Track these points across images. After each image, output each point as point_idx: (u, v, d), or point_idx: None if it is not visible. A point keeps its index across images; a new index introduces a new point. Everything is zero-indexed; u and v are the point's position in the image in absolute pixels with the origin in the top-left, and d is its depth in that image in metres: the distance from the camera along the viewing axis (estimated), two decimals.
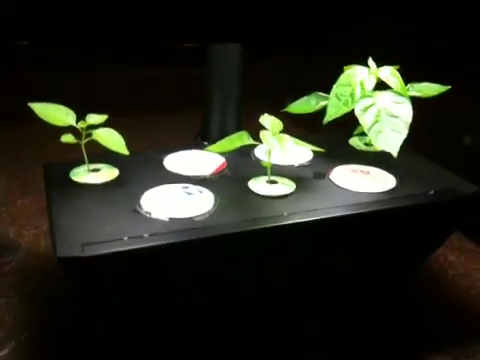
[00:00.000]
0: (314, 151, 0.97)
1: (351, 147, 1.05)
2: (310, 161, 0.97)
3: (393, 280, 0.98)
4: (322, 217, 0.77)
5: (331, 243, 0.82)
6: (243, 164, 0.95)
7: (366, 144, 1.05)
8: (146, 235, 0.70)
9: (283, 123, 0.85)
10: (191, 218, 0.75)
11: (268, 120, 0.86)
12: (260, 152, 0.99)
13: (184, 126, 1.32)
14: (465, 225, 1.28)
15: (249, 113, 0.94)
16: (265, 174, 0.87)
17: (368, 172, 0.93)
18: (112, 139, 0.83)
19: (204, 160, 0.95)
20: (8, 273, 1.06)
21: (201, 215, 0.76)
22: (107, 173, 0.88)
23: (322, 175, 0.91)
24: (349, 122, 0.95)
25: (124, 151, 0.83)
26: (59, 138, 0.83)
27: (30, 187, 1.42)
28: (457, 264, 1.22)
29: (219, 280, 0.78)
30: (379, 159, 0.96)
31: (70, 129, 0.83)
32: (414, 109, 0.89)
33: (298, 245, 0.79)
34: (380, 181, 0.89)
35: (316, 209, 0.79)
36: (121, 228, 0.72)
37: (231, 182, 0.88)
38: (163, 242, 0.70)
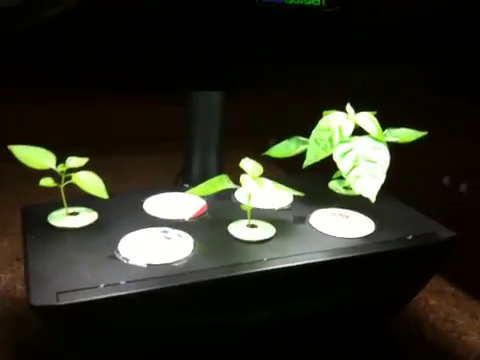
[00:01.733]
0: (294, 194, 0.98)
1: (331, 191, 1.06)
2: (290, 205, 0.98)
3: (373, 324, 0.98)
4: (302, 263, 0.77)
5: (311, 288, 0.82)
6: (223, 207, 0.95)
7: (345, 188, 1.06)
8: (123, 282, 0.69)
9: (265, 165, 0.86)
10: (169, 264, 0.74)
11: (249, 164, 0.87)
12: (241, 195, 0.99)
13: (167, 166, 1.32)
14: (445, 269, 1.29)
15: (234, 156, 0.94)
16: (245, 218, 0.87)
17: (347, 216, 0.93)
18: (92, 183, 0.83)
19: (184, 203, 0.95)
20: None
21: (179, 261, 0.75)
22: (86, 217, 0.87)
23: (302, 219, 0.92)
24: (330, 165, 0.96)
25: (103, 195, 0.83)
26: (38, 180, 0.82)
27: (8, 230, 1.40)
28: (437, 308, 1.22)
29: (198, 326, 0.76)
30: (358, 203, 0.96)
31: (50, 171, 0.83)
32: (391, 154, 0.91)
33: (277, 290, 0.78)
34: (359, 226, 0.90)
35: (296, 254, 0.79)
36: (98, 275, 0.71)
37: (211, 226, 0.88)
38: (140, 290, 0.69)
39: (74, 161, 0.85)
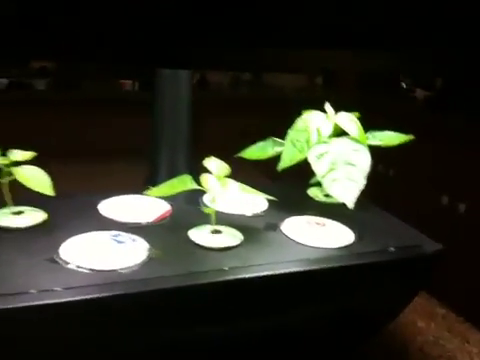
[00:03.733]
0: (269, 200, 0.90)
1: (309, 197, 0.98)
2: (264, 211, 0.89)
3: (350, 347, 0.88)
4: (267, 274, 0.68)
5: (277, 303, 0.72)
6: (189, 212, 0.87)
7: (326, 195, 0.97)
8: (58, 289, 0.60)
9: (243, 169, 0.78)
10: (115, 270, 0.66)
11: (213, 163, 0.79)
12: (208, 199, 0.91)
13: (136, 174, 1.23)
14: (436, 289, 1.20)
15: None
16: (210, 223, 0.79)
17: (324, 224, 0.85)
18: (36, 178, 0.74)
19: (146, 206, 0.86)
20: None
21: (128, 267, 0.66)
22: (32, 217, 0.78)
23: (274, 226, 0.83)
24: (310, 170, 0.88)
25: (48, 191, 0.74)
26: None
27: None
28: (426, 331, 1.13)
29: (141, 340, 0.67)
30: (337, 211, 0.88)
31: None
32: (373, 158, 0.82)
33: (237, 304, 0.69)
34: (336, 235, 0.81)
35: (261, 264, 0.70)
36: (32, 280, 0.62)
37: (171, 231, 0.79)
38: (76, 297, 0.60)
39: (18, 154, 0.76)
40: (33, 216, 0.78)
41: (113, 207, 0.85)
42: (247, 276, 0.67)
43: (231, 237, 0.77)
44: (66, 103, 2.35)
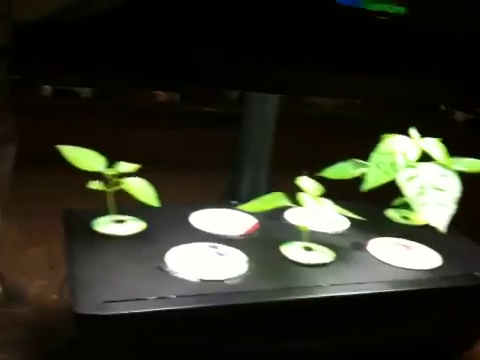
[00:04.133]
0: (351, 220, 0.92)
1: (388, 219, 0.99)
2: (346, 230, 0.92)
3: None
4: (367, 292, 0.71)
5: (370, 321, 0.74)
6: (275, 227, 0.89)
7: (404, 217, 0.99)
8: (173, 296, 0.64)
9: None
10: (222, 281, 0.69)
11: (308, 182, 0.82)
12: (291, 216, 0.93)
13: (211, 186, 1.26)
14: None
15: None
16: (297, 239, 0.81)
17: (409, 247, 0.86)
18: (142, 189, 0.78)
19: (233, 219, 0.90)
20: (13, 326, 0.97)
21: (233, 278, 0.69)
22: (132, 225, 0.82)
23: (360, 246, 0.85)
24: (383, 194, 0.90)
25: (154, 203, 0.78)
26: (74, 188, 0.78)
27: (47, 236, 1.35)
28: None
29: (247, 350, 0.70)
30: (419, 234, 0.90)
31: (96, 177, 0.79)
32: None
33: (335, 320, 0.71)
34: (423, 258, 0.83)
35: (358, 282, 0.73)
36: (146, 286, 0.66)
37: (262, 245, 0.82)
38: (193, 305, 0.63)
39: (125, 166, 0.80)
40: (134, 225, 0.82)
41: (204, 219, 0.88)
42: (347, 294, 0.70)
43: (323, 254, 0.79)
44: (111, 111, 2.42)
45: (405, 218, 0.98)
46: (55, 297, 1.06)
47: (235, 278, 0.70)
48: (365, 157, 0.91)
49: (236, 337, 0.67)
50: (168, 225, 0.85)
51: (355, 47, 1.06)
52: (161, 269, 0.70)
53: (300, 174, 0.85)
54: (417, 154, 0.89)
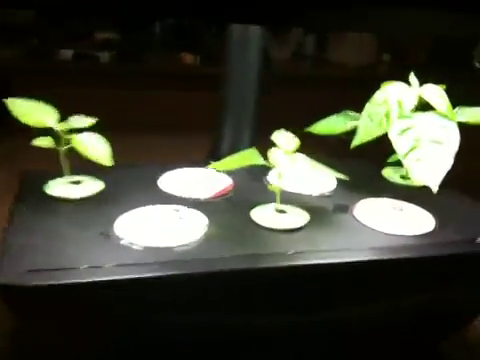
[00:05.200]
0: (339, 180, 0.82)
1: (383, 178, 0.89)
2: (332, 191, 0.82)
3: (432, 342, 0.80)
4: (338, 261, 0.61)
5: (346, 295, 0.65)
6: (252, 189, 0.81)
7: (402, 177, 0.88)
8: (108, 265, 0.56)
9: (309, 149, 0.71)
10: (171, 248, 0.61)
11: (282, 136, 0.72)
12: (274, 176, 0.84)
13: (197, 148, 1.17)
14: None
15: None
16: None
17: (401, 209, 0.76)
18: (94, 146, 0.70)
19: (208, 181, 0.81)
20: None
21: (184, 245, 0.61)
22: (89, 187, 0.74)
23: (344, 209, 0.75)
24: (385, 150, 0.80)
25: (107, 162, 0.70)
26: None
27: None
28: None
29: (187, 324, 0.62)
30: (416, 195, 0.79)
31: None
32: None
33: (299, 293, 0.63)
34: (415, 221, 0.73)
35: (331, 250, 0.63)
36: (83, 255, 0.58)
37: (234, 208, 0.73)
38: (127, 276, 0.56)
39: (79, 121, 0.72)
40: (90, 187, 0.75)
41: (173, 180, 0.80)
42: (315, 263, 0.61)
43: (296, 218, 0.70)
44: (129, 75, 2.35)
45: (403, 178, 0.88)
46: None
47: (187, 245, 0.62)
48: None
49: (181, 310, 0.59)
50: (131, 187, 0.77)
51: None
52: (105, 235, 0.63)
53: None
54: (415, 103, 0.78)
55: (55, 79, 2.17)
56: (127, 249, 0.60)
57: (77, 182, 0.75)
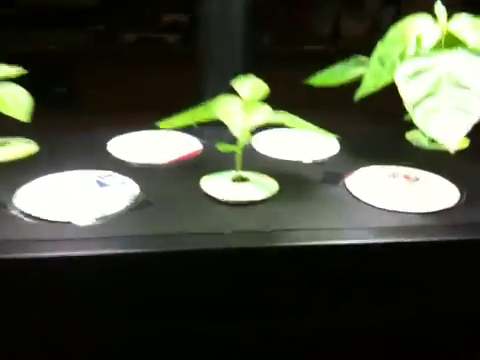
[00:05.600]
0: (345, 145, 0.64)
1: (406, 142, 0.69)
2: (330, 158, 0.63)
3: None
4: (298, 244, 0.43)
5: (313, 294, 0.47)
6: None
7: (432, 141, 0.67)
8: None
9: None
10: (71, 223, 0.46)
11: (247, 83, 0.55)
12: (262, 139, 0.67)
13: None
14: None
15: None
16: (255, 170, 0.56)
17: (417, 179, 0.56)
18: (13, 99, 0.57)
19: (172, 145, 0.65)
20: None
21: (89, 220, 0.46)
22: (15, 151, 0.61)
23: (336, 178, 0.57)
24: None
25: (23, 117, 0.56)
26: None
27: None
28: None
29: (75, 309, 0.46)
30: (442, 162, 0.59)
31: None
32: None
33: (242, 284, 0.45)
34: (432, 195, 0.53)
35: (290, 229, 0.46)
36: None
37: (184, 176, 0.57)
38: (9, 255, 0.41)
39: (2, 70, 0.59)
40: (17, 150, 0.61)
41: (127, 144, 0.65)
42: (256, 246, 0.43)
43: (258, 188, 0.52)
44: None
45: (432, 142, 0.67)
46: None
47: (99, 219, 0.46)
48: None
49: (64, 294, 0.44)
50: (71, 149, 0.63)
51: None
52: (3, 207, 0.49)
53: None
54: (438, 39, 0.58)
55: (120, 63, 2.09)
56: (22, 223, 0.46)
57: (4, 144, 0.62)
